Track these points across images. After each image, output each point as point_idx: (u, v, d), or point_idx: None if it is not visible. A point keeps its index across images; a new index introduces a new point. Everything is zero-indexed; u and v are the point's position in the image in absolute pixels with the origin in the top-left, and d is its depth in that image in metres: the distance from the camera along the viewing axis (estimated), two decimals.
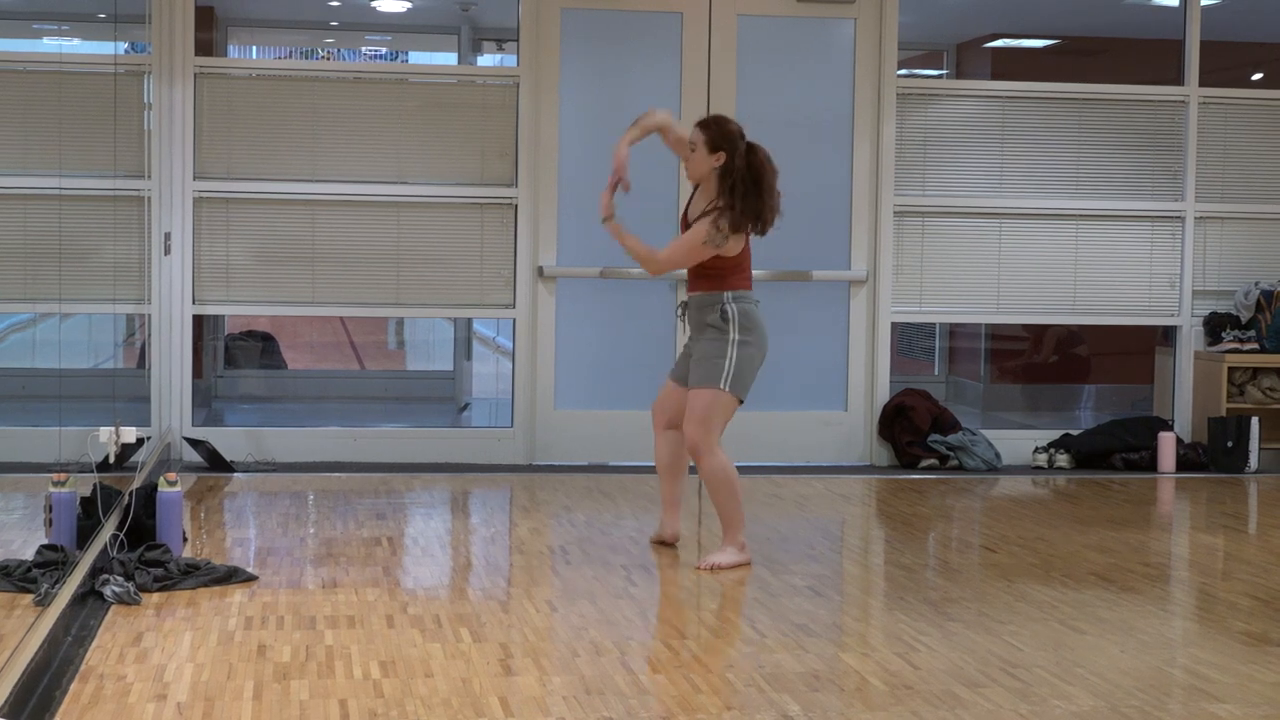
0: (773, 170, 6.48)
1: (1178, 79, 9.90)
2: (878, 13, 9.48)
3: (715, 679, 4.83)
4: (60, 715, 4.33)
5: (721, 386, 6.51)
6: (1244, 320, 9.81)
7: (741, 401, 6.62)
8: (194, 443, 8.91)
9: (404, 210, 9.23)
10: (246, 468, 8.87)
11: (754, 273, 9.26)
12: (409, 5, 10.88)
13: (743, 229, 6.47)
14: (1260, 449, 9.60)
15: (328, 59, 12.13)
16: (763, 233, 6.53)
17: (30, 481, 6.64)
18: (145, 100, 9.01)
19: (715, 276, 6.55)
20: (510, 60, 10.00)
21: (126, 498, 6.48)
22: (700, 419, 6.55)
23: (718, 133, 6.51)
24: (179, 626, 5.34)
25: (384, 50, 12.60)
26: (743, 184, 6.43)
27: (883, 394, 9.58)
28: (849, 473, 9.31)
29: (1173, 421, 9.88)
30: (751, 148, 6.49)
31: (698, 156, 6.53)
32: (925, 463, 9.41)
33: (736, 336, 6.50)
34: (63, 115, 8.51)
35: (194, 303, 9.07)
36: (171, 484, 6.33)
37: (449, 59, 11.37)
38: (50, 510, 5.89)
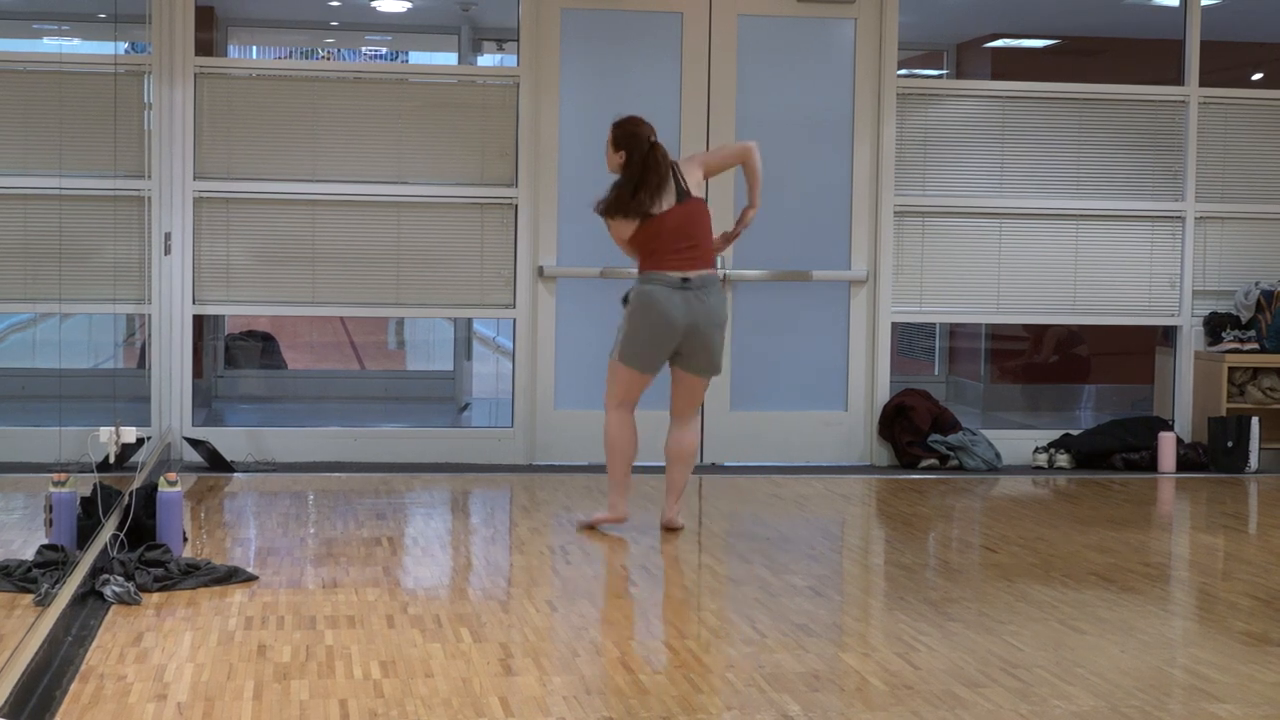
0: (656, 172, 7.06)
1: (1178, 79, 9.90)
2: (878, 13, 9.47)
3: (715, 679, 4.84)
4: (60, 715, 4.33)
5: (612, 357, 7.22)
6: (1244, 320, 9.81)
7: (643, 372, 7.20)
8: (194, 443, 8.91)
9: (404, 210, 9.23)
10: (247, 468, 8.87)
11: (754, 273, 9.35)
12: (409, 5, 10.88)
13: (614, 214, 7.09)
14: (1260, 449, 9.60)
15: (328, 59, 12.13)
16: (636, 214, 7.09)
17: (30, 481, 6.64)
18: (145, 100, 9.01)
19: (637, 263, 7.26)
20: (510, 60, 10.00)
21: (127, 498, 6.48)
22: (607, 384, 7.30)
23: (620, 133, 7.14)
24: (179, 626, 5.34)
25: (384, 50, 12.60)
26: (631, 176, 7.07)
27: (883, 394, 9.57)
28: (849, 473, 9.31)
29: (1173, 421, 9.87)
30: (654, 146, 7.11)
31: (608, 152, 7.18)
32: (925, 463, 9.41)
33: (627, 312, 7.19)
34: (63, 115, 8.51)
35: (194, 303, 9.07)
36: (172, 484, 6.33)
37: (449, 59, 11.37)
38: (50, 510, 5.89)
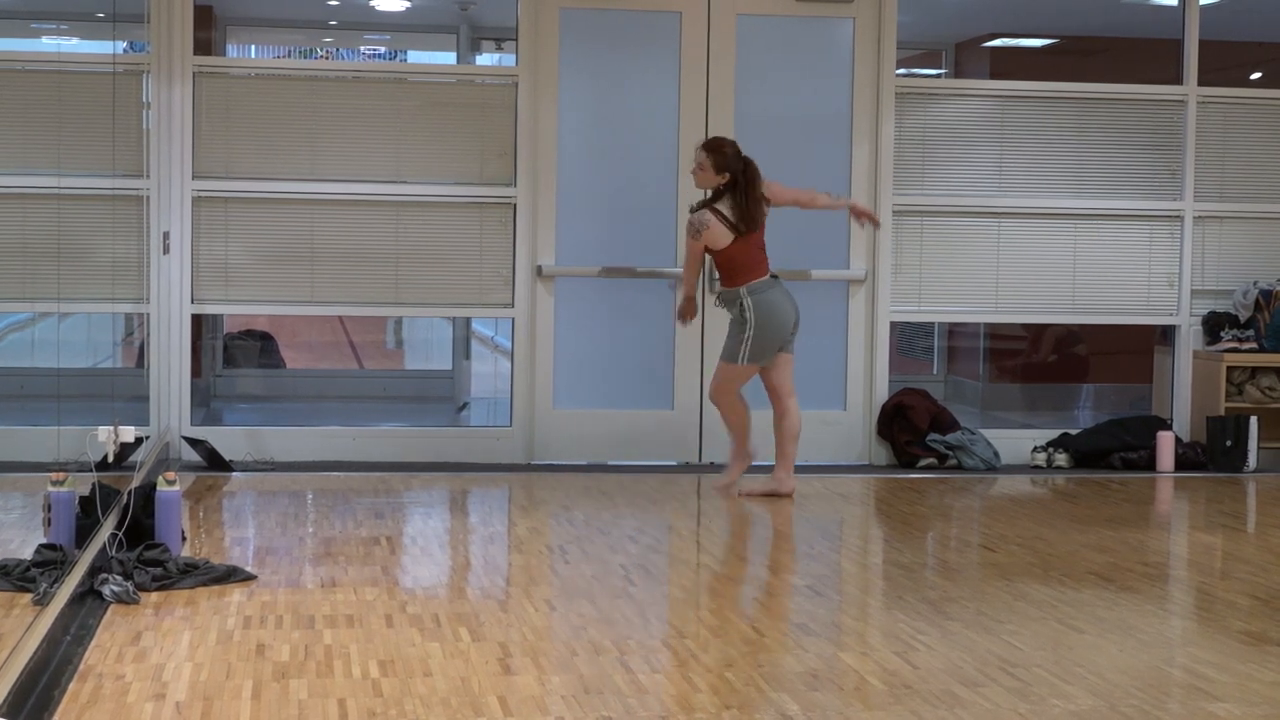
0: (759, 191, 8.10)
1: (1176, 78, 9.89)
2: (876, 12, 9.47)
3: (714, 678, 4.83)
4: (59, 714, 4.33)
5: (735, 360, 8.13)
6: (1243, 319, 9.81)
7: (762, 365, 8.20)
8: (193, 442, 8.90)
9: (403, 209, 9.23)
10: (245, 467, 8.87)
11: None
12: (408, 4, 10.88)
13: (738, 230, 8.01)
14: (1259, 448, 9.60)
15: (326, 58, 12.13)
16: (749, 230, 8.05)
17: (29, 481, 6.64)
18: (144, 99, 9.01)
19: (729, 274, 8.11)
20: (509, 59, 10.00)
21: (125, 497, 6.47)
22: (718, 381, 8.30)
23: (727, 156, 8.03)
24: (177, 626, 5.34)
25: (383, 49, 12.60)
26: (739, 198, 8.02)
27: (881, 393, 9.57)
28: (848, 472, 9.31)
29: (1171, 421, 9.88)
30: (748, 164, 8.05)
31: (707, 172, 8.05)
32: (924, 462, 9.41)
33: (755, 320, 8.05)
34: (61, 114, 8.51)
35: (192, 302, 9.06)
36: (170, 483, 6.33)
37: (448, 58, 11.37)
38: (49, 509, 5.88)
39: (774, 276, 8.13)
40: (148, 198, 8.89)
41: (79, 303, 8.56)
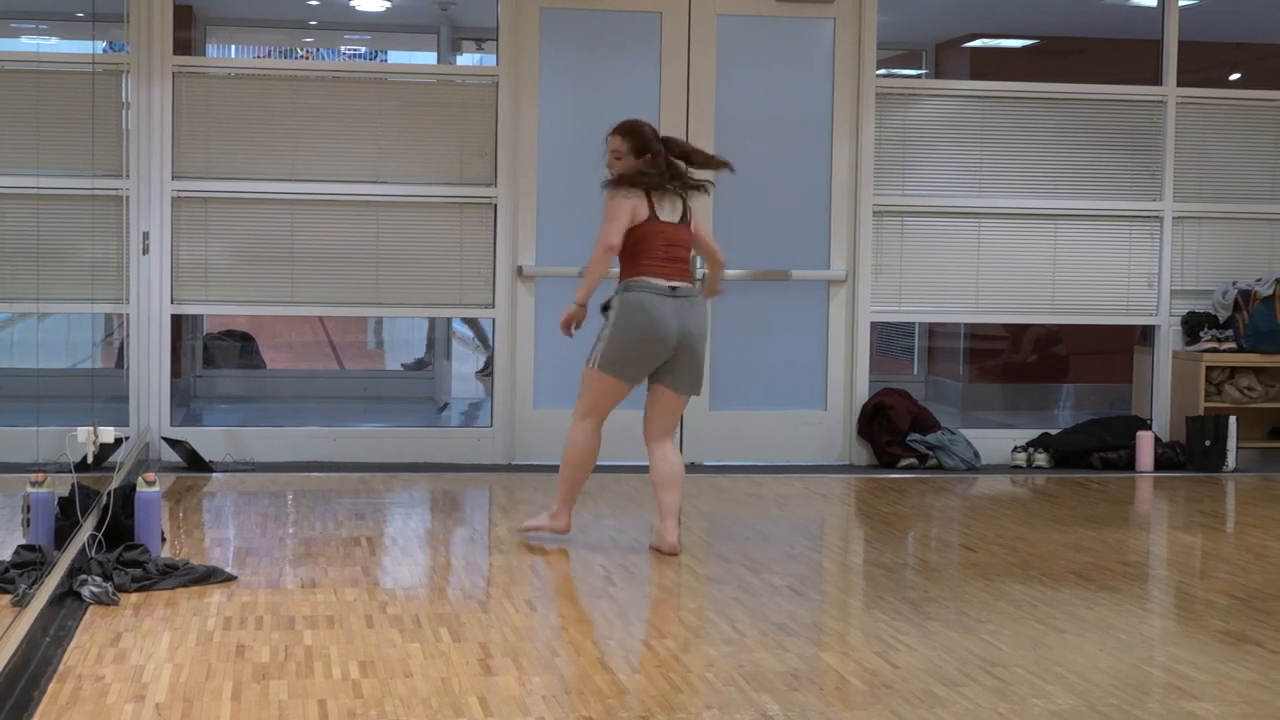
0: (680, 179, 6.83)
1: (1156, 79, 9.92)
2: (857, 12, 9.48)
3: (695, 678, 4.84)
4: (38, 716, 4.32)
5: (590, 365, 6.85)
6: (1222, 320, 9.84)
7: (625, 383, 6.80)
8: (173, 443, 8.88)
9: (383, 210, 9.22)
10: (225, 468, 8.85)
11: (733, 272, 9.39)
12: (388, 4, 10.86)
13: (647, 187, 6.79)
14: (1238, 448, 9.62)
15: (307, 58, 12.11)
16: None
17: (8, 481, 6.61)
18: (124, 99, 8.99)
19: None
20: (489, 60, 10.00)
21: (105, 498, 6.46)
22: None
23: (644, 136, 6.85)
24: (157, 627, 5.33)
25: (363, 49, 12.59)
26: (661, 170, 6.77)
27: (862, 393, 9.59)
28: (828, 472, 9.32)
29: (1151, 420, 9.90)
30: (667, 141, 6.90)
31: (622, 157, 6.84)
32: (904, 462, 9.42)
33: (611, 320, 6.79)
34: (40, 114, 8.48)
35: (172, 302, 9.04)
36: (150, 484, 6.32)
37: (428, 58, 11.36)
38: (28, 510, 5.87)
39: (673, 289, 6.74)
40: (127, 198, 8.87)
41: (58, 303, 8.51)
